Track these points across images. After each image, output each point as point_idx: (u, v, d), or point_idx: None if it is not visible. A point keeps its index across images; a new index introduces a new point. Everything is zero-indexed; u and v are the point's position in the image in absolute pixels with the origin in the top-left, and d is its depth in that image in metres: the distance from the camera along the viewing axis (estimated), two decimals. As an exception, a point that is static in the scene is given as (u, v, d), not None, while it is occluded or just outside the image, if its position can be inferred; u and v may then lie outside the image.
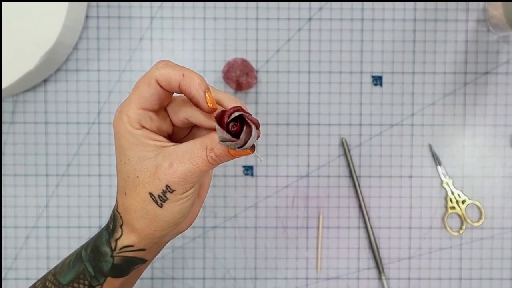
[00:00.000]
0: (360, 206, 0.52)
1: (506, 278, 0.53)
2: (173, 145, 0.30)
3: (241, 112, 0.28)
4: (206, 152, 0.29)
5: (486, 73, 0.52)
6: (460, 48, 0.52)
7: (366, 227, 0.52)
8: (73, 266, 0.33)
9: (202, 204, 0.35)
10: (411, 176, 0.52)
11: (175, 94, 0.30)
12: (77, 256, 0.33)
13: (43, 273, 0.52)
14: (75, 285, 0.32)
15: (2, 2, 0.45)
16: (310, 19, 0.51)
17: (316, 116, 0.52)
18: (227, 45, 0.52)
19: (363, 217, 0.52)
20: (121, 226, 0.31)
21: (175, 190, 0.29)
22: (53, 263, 0.52)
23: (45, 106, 0.51)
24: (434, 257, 0.53)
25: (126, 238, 0.31)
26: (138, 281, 0.38)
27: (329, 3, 0.51)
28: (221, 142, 0.28)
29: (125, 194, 0.30)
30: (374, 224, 0.52)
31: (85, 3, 0.50)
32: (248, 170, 0.52)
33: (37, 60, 0.45)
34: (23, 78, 0.46)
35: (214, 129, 0.29)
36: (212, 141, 0.29)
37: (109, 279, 0.32)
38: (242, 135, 0.28)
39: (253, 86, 0.51)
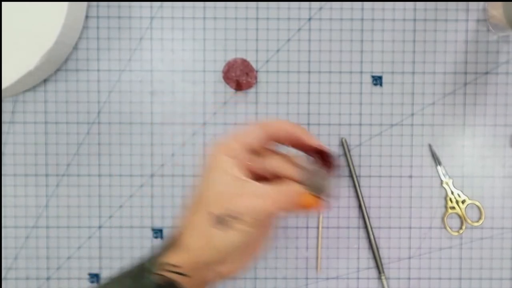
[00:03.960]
0: (360, 206, 0.52)
1: (506, 278, 0.53)
2: (251, 181, 0.32)
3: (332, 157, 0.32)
4: (278, 196, 0.31)
5: (486, 73, 0.52)
6: (460, 48, 0.52)
7: (366, 227, 0.52)
8: (114, 281, 0.33)
9: (252, 261, 0.35)
10: (411, 176, 0.52)
11: None
12: (121, 275, 0.33)
13: (43, 273, 0.52)
14: None
15: (2, 2, 0.45)
16: (310, 19, 0.52)
17: (316, 116, 0.52)
18: (227, 45, 0.52)
19: (363, 217, 0.52)
20: (172, 243, 0.32)
21: (236, 218, 0.30)
22: (53, 263, 0.52)
23: (45, 106, 0.51)
24: (434, 257, 0.53)
25: (173, 256, 0.32)
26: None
27: (329, 3, 0.51)
28: (305, 181, 0.32)
29: (190, 209, 0.32)
30: (374, 224, 0.52)
31: (85, 3, 0.50)
32: (248, 170, 0.52)
33: (37, 60, 0.45)
34: (23, 78, 0.46)
35: (291, 178, 0.33)
36: (287, 189, 0.32)
37: None
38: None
39: (253, 86, 0.52)
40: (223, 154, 0.32)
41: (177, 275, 0.31)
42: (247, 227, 0.31)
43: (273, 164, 0.33)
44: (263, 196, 0.31)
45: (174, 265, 0.31)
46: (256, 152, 0.33)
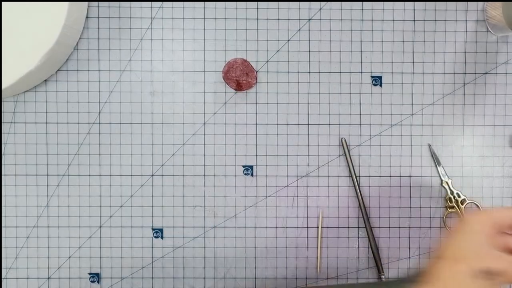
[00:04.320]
0: (359, 206, 0.52)
1: (505, 278, 0.53)
2: (502, 252, 0.36)
3: None
4: None
5: (485, 73, 0.52)
6: (459, 49, 0.52)
7: (365, 227, 0.52)
8: None
9: None
10: (410, 176, 0.52)
11: None
12: None
13: (43, 272, 0.52)
14: None
15: (2, 2, 0.45)
16: (310, 19, 0.52)
17: (316, 116, 0.52)
18: (227, 46, 0.52)
19: (363, 217, 0.52)
20: (421, 282, 0.37)
21: (493, 275, 0.35)
22: (54, 263, 0.52)
23: (46, 106, 0.52)
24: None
25: None
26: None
27: (329, 3, 0.52)
28: None
29: (445, 260, 0.37)
30: (374, 224, 0.53)
31: (86, 3, 0.50)
32: (248, 170, 0.52)
33: (37, 60, 0.45)
34: (24, 78, 0.46)
35: None
36: None
37: None
38: None
39: (253, 86, 0.52)
40: (475, 223, 0.37)
41: None
42: (497, 285, 0.36)
43: None
44: None
45: None
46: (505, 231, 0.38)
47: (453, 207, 0.52)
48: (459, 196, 0.52)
